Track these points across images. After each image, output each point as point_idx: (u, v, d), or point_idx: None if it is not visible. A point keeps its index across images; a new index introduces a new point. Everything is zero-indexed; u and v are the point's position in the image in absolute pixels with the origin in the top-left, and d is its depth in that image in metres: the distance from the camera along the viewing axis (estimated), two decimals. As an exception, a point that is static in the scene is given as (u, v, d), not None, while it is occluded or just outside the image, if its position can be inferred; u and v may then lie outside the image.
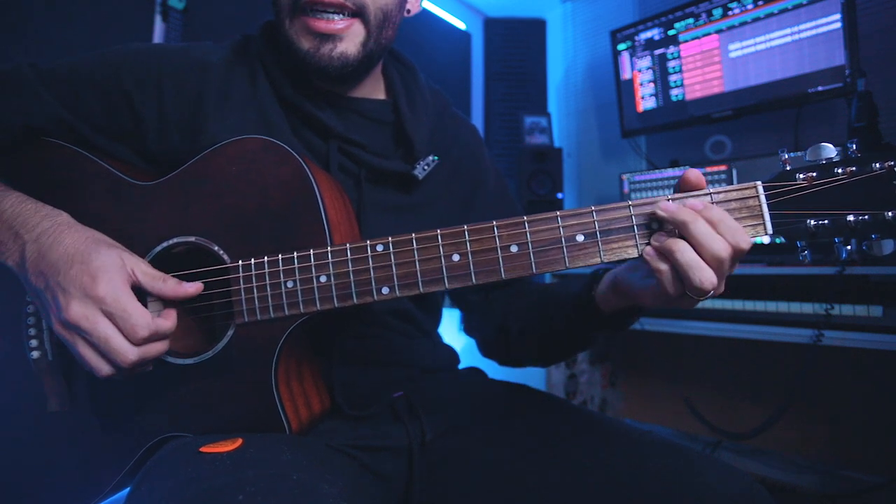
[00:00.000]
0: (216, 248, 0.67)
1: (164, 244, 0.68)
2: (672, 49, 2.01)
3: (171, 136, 0.75)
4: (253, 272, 0.65)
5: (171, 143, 0.75)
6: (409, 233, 0.61)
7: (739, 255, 0.55)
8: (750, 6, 1.81)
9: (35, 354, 0.70)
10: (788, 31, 1.73)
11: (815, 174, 0.55)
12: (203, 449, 0.58)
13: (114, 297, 0.59)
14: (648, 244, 0.57)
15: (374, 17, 0.74)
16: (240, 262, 0.65)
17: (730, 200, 0.57)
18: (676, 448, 0.69)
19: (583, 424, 0.76)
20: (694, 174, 0.58)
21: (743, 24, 1.83)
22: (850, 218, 0.53)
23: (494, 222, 0.60)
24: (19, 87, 0.73)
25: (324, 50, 0.73)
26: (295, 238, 0.65)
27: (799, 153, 0.57)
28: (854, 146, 0.54)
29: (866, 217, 0.53)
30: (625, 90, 2.16)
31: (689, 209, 0.55)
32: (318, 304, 0.63)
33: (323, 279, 0.63)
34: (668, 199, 0.57)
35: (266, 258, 0.65)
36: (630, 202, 0.58)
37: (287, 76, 0.79)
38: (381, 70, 0.88)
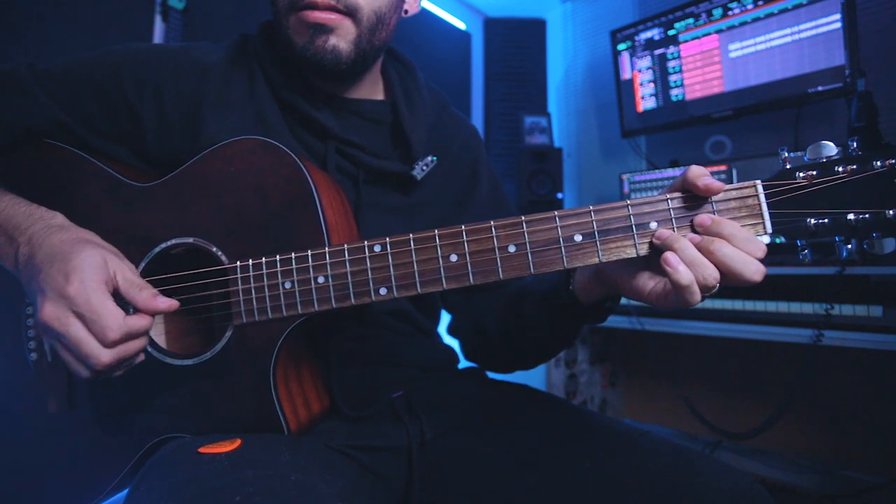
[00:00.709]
0: (214, 248, 0.67)
1: (163, 245, 0.68)
2: (672, 49, 2.01)
3: (169, 137, 0.75)
4: (251, 273, 0.65)
5: (169, 144, 0.75)
6: (407, 233, 0.61)
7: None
8: (750, 6, 1.80)
9: (34, 356, 0.70)
10: (788, 31, 1.73)
11: (815, 173, 0.54)
12: (202, 449, 0.58)
13: (84, 298, 0.57)
14: (651, 242, 0.57)
15: (367, 19, 0.74)
16: (238, 262, 0.65)
17: (729, 200, 0.56)
18: (676, 448, 0.68)
19: (583, 424, 0.76)
20: (693, 174, 0.56)
21: (743, 24, 1.82)
22: (851, 216, 0.53)
23: (492, 222, 0.59)
24: (16, 88, 0.73)
25: (318, 42, 0.72)
26: (293, 238, 0.65)
27: (799, 153, 0.57)
28: (854, 144, 0.53)
29: (867, 216, 0.52)
30: (625, 90, 2.16)
31: (679, 237, 0.55)
32: (316, 305, 0.63)
33: (321, 280, 0.63)
34: (668, 199, 0.57)
35: (264, 259, 0.64)
36: (628, 201, 0.57)
37: (285, 76, 0.79)
38: (379, 70, 0.88)
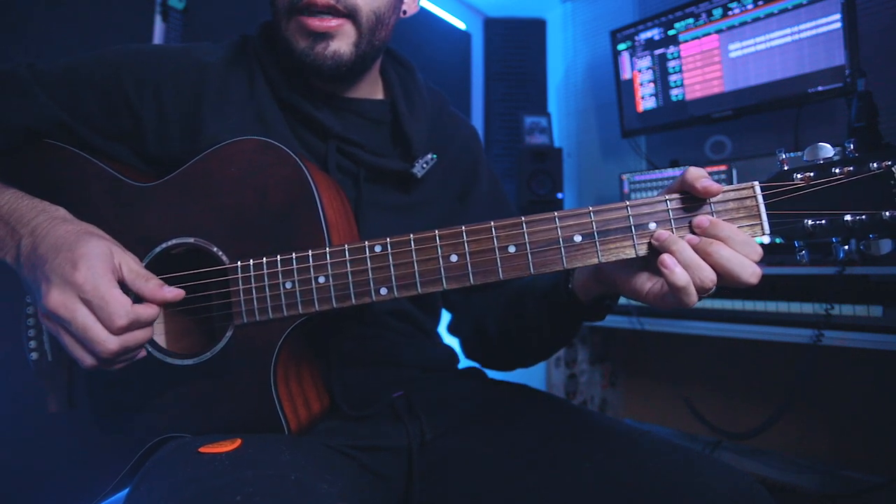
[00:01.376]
0: (215, 248, 0.67)
1: (164, 245, 0.68)
2: (672, 49, 2.01)
3: (170, 137, 0.75)
4: (252, 273, 0.65)
5: (170, 144, 0.75)
6: (408, 231, 0.61)
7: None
8: (750, 6, 1.80)
9: (34, 355, 0.70)
10: (788, 31, 1.73)
11: (812, 174, 0.54)
12: (202, 449, 0.58)
13: (92, 285, 0.57)
14: (650, 243, 0.57)
15: (366, 20, 0.74)
16: (238, 262, 0.65)
17: (727, 201, 0.56)
18: (676, 448, 0.69)
19: (583, 424, 0.76)
20: (692, 176, 0.56)
21: (743, 24, 1.82)
22: (848, 218, 0.53)
23: (492, 223, 0.59)
24: (17, 89, 0.73)
25: (318, 48, 0.73)
26: (293, 239, 0.65)
27: (798, 153, 0.57)
28: (852, 146, 0.54)
29: (864, 217, 0.52)
30: (625, 90, 2.16)
31: (677, 239, 0.55)
32: (316, 305, 0.63)
33: (321, 280, 0.63)
34: (667, 200, 0.57)
35: (264, 259, 0.65)
36: (627, 202, 0.58)
37: (285, 77, 0.79)
38: (378, 71, 0.88)
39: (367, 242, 0.62)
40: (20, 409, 0.72)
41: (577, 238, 0.58)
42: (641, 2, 2.33)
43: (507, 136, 2.60)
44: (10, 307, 0.72)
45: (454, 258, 0.60)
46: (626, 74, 2.15)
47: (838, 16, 1.63)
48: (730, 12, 1.85)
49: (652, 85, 2.08)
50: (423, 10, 0.90)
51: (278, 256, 0.64)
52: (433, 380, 0.86)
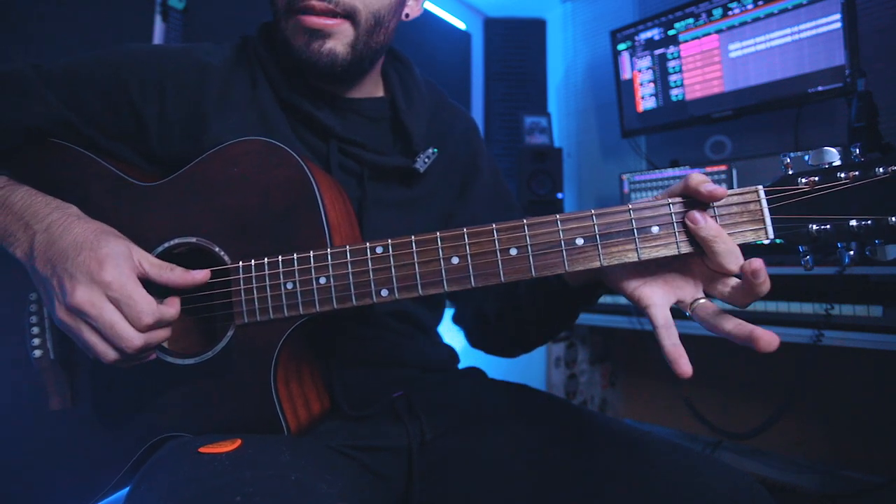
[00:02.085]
0: (217, 248, 0.67)
1: (166, 244, 0.68)
2: (672, 49, 2.01)
3: (172, 137, 0.75)
4: (253, 273, 0.65)
5: (172, 143, 0.75)
6: (413, 227, 0.62)
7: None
8: (750, 6, 1.81)
9: (37, 353, 0.70)
10: (788, 31, 1.73)
11: (817, 178, 0.54)
12: (202, 449, 0.58)
13: (120, 283, 0.59)
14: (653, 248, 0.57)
15: (365, 21, 0.74)
16: (240, 263, 0.65)
17: (731, 205, 0.56)
18: (676, 448, 0.69)
19: (583, 425, 0.76)
20: (695, 181, 0.55)
21: (743, 24, 1.82)
22: (853, 223, 0.53)
23: (494, 225, 0.59)
24: (23, 88, 0.73)
25: (314, 46, 0.73)
26: (295, 239, 0.65)
27: (799, 153, 0.57)
28: (857, 150, 0.53)
29: (869, 222, 0.52)
30: (625, 90, 2.16)
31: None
32: (317, 306, 0.63)
33: (322, 281, 0.63)
34: (670, 203, 0.57)
35: (266, 259, 0.65)
36: (630, 206, 0.57)
37: (286, 78, 0.79)
38: (380, 71, 0.88)
39: (368, 244, 0.62)
40: (21, 406, 0.72)
41: (579, 241, 0.58)
42: (641, 2, 2.33)
43: (507, 136, 2.60)
44: (13, 304, 0.72)
45: (455, 260, 0.60)
46: (626, 74, 2.15)
47: (838, 16, 1.63)
48: (730, 12, 1.85)
49: (652, 85, 2.08)
50: (423, 11, 0.90)
51: (279, 257, 0.64)
52: (433, 380, 0.86)
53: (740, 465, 1.91)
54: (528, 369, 2.06)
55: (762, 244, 0.56)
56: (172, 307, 0.63)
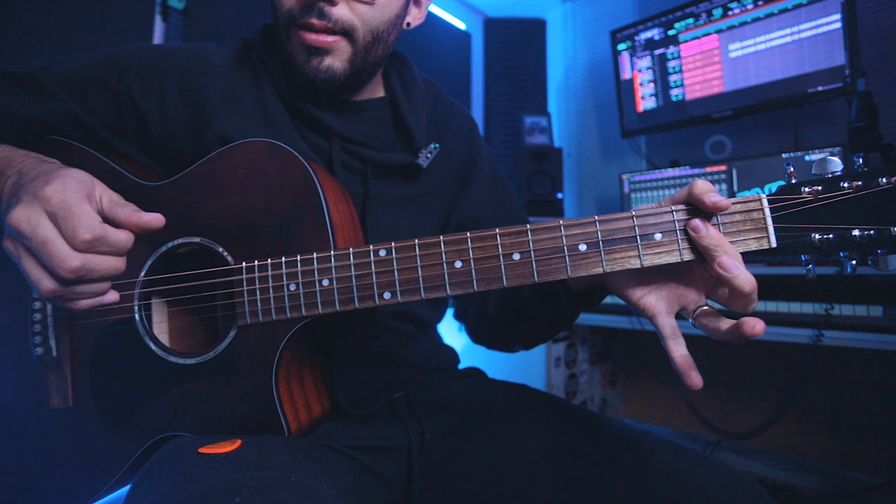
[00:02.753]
0: (220, 249, 0.67)
1: (170, 244, 0.68)
2: (672, 49, 2.01)
3: (176, 136, 0.76)
4: (256, 274, 0.65)
5: (175, 143, 0.76)
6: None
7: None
8: (750, 6, 1.81)
9: (39, 350, 0.70)
10: (788, 31, 1.73)
11: (820, 188, 0.54)
12: (202, 450, 0.58)
13: (60, 197, 0.53)
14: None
15: (363, 38, 0.75)
16: (244, 263, 0.66)
17: (734, 213, 0.56)
18: (676, 448, 0.69)
19: (582, 425, 0.76)
20: (700, 190, 0.55)
21: (743, 24, 1.83)
22: (856, 233, 0.53)
23: (497, 230, 0.60)
24: (35, 86, 0.74)
25: (313, 62, 0.74)
26: (298, 241, 0.65)
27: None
28: (860, 160, 0.53)
29: (872, 232, 0.52)
30: (625, 90, 2.16)
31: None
32: (319, 308, 0.63)
33: (325, 282, 0.63)
34: (673, 211, 0.57)
35: (269, 260, 0.65)
36: (633, 212, 0.57)
37: (288, 79, 0.79)
38: (381, 75, 0.89)
39: (371, 246, 0.62)
40: (23, 403, 0.72)
41: (582, 247, 0.58)
42: (641, 2, 2.33)
43: (507, 136, 2.60)
44: (16, 301, 0.72)
45: (458, 264, 0.60)
46: (626, 74, 2.15)
47: (838, 16, 1.63)
48: (730, 12, 1.85)
49: (652, 85, 2.08)
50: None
51: (283, 258, 0.64)
52: (433, 380, 0.87)
53: (740, 465, 1.91)
54: (528, 369, 2.06)
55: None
56: (120, 231, 0.56)
